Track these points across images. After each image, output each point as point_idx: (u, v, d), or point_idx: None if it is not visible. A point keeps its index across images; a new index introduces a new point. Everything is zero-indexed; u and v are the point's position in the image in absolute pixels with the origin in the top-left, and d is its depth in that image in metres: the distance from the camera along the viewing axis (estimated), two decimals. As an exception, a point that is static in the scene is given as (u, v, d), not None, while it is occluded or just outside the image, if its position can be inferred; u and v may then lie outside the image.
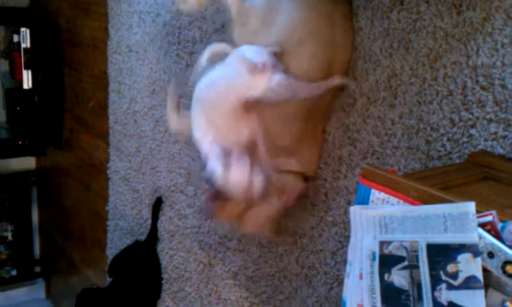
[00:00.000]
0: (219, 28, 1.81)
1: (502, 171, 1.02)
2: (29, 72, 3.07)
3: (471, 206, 0.76)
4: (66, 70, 3.09)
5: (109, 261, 2.53)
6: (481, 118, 1.13)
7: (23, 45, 3.03)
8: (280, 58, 1.35)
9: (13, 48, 3.15)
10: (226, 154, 1.37)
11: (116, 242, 2.68)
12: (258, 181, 1.35)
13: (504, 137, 1.09)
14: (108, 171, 2.69)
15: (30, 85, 3.09)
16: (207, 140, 1.42)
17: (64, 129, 3.19)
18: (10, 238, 3.62)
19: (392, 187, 0.88)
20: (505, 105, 1.09)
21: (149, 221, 2.34)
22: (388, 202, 0.90)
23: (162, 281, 2.31)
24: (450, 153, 1.19)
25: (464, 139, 1.16)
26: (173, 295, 2.26)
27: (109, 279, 2.47)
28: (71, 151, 3.17)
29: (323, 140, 1.50)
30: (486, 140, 1.12)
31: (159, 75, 2.19)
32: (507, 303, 0.75)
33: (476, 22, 1.11)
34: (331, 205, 1.51)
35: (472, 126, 1.15)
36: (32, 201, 3.72)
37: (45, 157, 3.55)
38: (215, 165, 1.37)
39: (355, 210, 0.95)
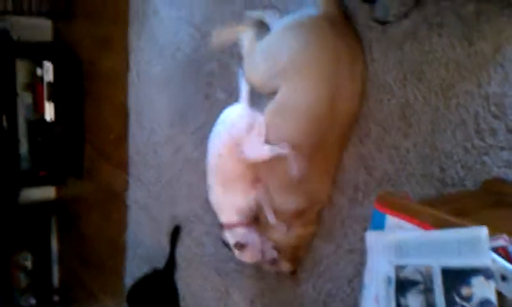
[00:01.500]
0: (236, 59, 1.87)
1: (514, 197, 1.05)
2: (52, 104, 3.16)
3: (484, 230, 0.78)
4: (87, 102, 3.18)
5: (127, 289, 2.55)
6: (494, 146, 1.16)
7: (46, 79, 3.13)
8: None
9: (36, 82, 3.25)
10: (240, 245, 1.64)
11: (134, 271, 2.71)
12: (268, 254, 1.62)
13: (517, 164, 1.12)
14: (127, 200, 2.74)
15: (52, 117, 3.17)
16: (223, 214, 1.67)
17: (85, 159, 3.26)
18: (30, 267, 3.67)
19: (407, 212, 0.91)
20: (517, 133, 1.11)
21: (167, 249, 2.37)
22: (403, 227, 0.92)
23: (181, 309, 2.33)
24: (464, 179, 1.21)
25: (478, 166, 1.19)
26: (190, 324, 2.28)
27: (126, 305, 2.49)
28: (91, 181, 3.23)
29: (337, 169, 1.53)
30: (498, 167, 1.15)
31: (178, 106, 2.24)
32: (522, 326, 0.77)
33: (487, 53, 1.15)
34: (347, 232, 1.53)
35: (485, 154, 1.17)
36: (52, 230, 3.78)
37: (65, 186, 3.62)
38: (232, 247, 1.67)
39: (371, 235, 0.97)
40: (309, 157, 1.46)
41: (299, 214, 1.56)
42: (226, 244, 1.68)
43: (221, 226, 1.69)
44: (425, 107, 1.28)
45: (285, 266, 1.64)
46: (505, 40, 1.11)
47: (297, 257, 1.64)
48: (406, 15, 1.29)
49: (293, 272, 1.66)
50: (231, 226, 1.66)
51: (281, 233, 1.59)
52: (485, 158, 1.17)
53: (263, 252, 1.62)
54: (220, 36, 1.82)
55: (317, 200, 1.55)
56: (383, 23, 1.35)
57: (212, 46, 1.84)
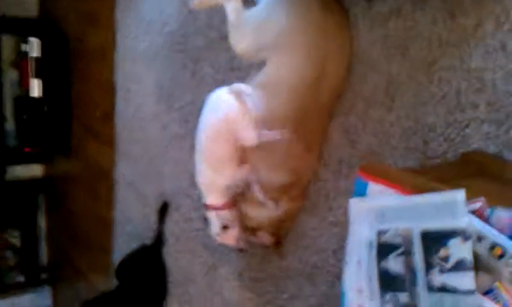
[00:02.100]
0: (224, 36, 1.87)
1: (493, 168, 1.08)
2: (38, 81, 3.15)
3: (461, 194, 0.81)
4: (73, 78, 3.17)
5: (115, 266, 2.58)
6: (475, 119, 1.19)
7: (32, 54, 3.11)
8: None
9: (21, 58, 3.23)
10: (224, 225, 1.68)
11: (122, 247, 2.73)
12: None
13: (497, 136, 1.15)
14: (115, 177, 2.75)
15: (38, 93, 3.16)
16: (208, 196, 1.70)
17: (72, 136, 3.26)
18: (18, 244, 3.68)
19: (388, 179, 0.94)
20: (497, 106, 1.15)
21: (155, 225, 2.40)
22: (384, 194, 0.95)
23: (168, 284, 2.36)
24: (446, 152, 1.25)
25: (459, 139, 1.22)
26: (178, 298, 2.31)
27: (116, 283, 2.52)
28: (78, 158, 3.24)
29: (323, 144, 1.56)
30: (479, 139, 1.18)
31: (165, 82, 2.25)
32: (497, 284, 0.81)
33: (469, 27, 1.18)
34: (332, 205, 1.56)
35: (467, 127, 1.21)
36: (40, 208, 3.78)
37: (52, 164, 3.62)
38: (214, 227, 1.71)
39: (353, 202, 1.01)
40: (294, 131, 1.48)
41: (285, 189, 1.59)
42: (207, 222, 1.72)
43: (206, 207, 1.72)
44: (409, 81, 1.31)
45: (269, 239, 1.67)
46: (486, 15, 1.14)
47: (281, 230, 1.67)
48: (391, -10, 1.31)
49: (277, 244, 1.70)
50: (217, 208, 1.69)
51: (269, 209, 1.63)
52: (466, 131, 1.21)
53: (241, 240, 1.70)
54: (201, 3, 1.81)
55: (303, 174, 1.58)
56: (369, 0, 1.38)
57: (194, 6, 1.83)
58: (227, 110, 1.60)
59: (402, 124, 1.34)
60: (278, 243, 1.71)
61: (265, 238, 1.67)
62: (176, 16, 2.14)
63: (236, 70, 1.84)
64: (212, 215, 1.69)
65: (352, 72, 1.45)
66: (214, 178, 1.65)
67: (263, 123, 1.51)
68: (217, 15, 1.91)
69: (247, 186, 1.64)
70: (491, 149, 1.16)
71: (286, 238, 1.71)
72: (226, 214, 1.66)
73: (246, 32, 1.56)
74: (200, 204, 2.10)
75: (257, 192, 1.61)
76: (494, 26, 1.13)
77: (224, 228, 1.67)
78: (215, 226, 1.70)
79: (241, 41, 1.58)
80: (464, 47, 1.19)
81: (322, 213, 1.59)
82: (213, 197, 1.68)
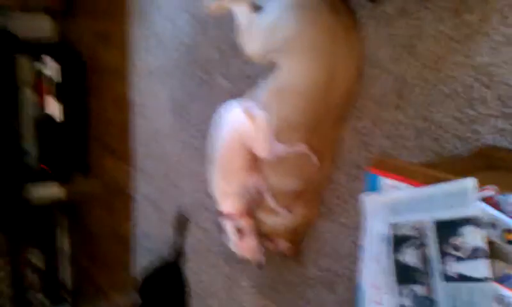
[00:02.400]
0: (236, 46, 1.91)
1: (506, 161, 1.09)
2: (57, 102, 3.22)
3: (472, 181, 0.82)
4: (91, 97, 3.23)
5: (136, 283, 2.60)
6: (485, 114, 1.20)
7: (50, 76, 3.19)
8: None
9: (41, 79, 3.31)
10: (240, 231, 1.71)
11: (142, 264, 2.76)
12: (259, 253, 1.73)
13: (508, 131, 1.16)
14: (133, 193, 2.79)
15: (58, 114, 3.23)
16: (223, 204, 1.74)
17: (90, 155, 3.31)
18: (40, 265, 3.73)
19: (400, 173, 0.95)
20: (507, 101, 1.15)
21: (175, 240, 2.42)
22: (397, 187, 0.97)
23: (189, 299, 2.38)
24: (457, 149, 1.26)
25: (470, 135, 1.23)
26: (199, 311, 2.33)
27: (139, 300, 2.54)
28: (97, 176, 3.29)
29: (335, 149, 1.58)
30: (491, 134, 1.19)
31: (180, 96, 2.29)
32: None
33: (474, 23, 1.19)
34: (348, 209, 1.57)
35: (477, 123, 1.21)
36: (61, 228, 3.84)
37: (72, 183, 3.67)
38: (229, 235, 1.74)
39: (366, 198, 1.02)
40: (306, 138, 1.50)
41: (297, 196, 1.61)
42: (222, 229, 1.74)
43: (221, 214, 1.75)
44: (418, 80, 1.32)
45: (286, 246, 1.68)
46: (491, 10, 1.15)
47: (298, 236, 1.68)
48: (396, -8, 1.33)
49: (295, 251, 1.71)
50: (231, 216, 1.71)
51: (284, 217, 1.64)
52: (477, 127, 1.22)
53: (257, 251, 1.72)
54: (215, 7, 1.86)
55: (315, 180, 1.59)
56: (374, 1, 1.40)
57: (207, 12, 1.87)
58: (240, 128, 1.63)
59: (414, 124, 1.35)
60: (296, 250, 1.72)
61: (282, 245, 1.69)
62: (188, 29, 2.18)
63: (249, 78, 1.87)
64: (226, 223, 1.72)
65: (362, 75, 1.46)
66: (226, 186, 1.69)
67: (276, 131, 1.54)
68: (228, 25, 1.95)
69: (260, 194, 1.66)
70: (503, 144, 1.17)
71: (304, 245, 1.72)
72: (241, 222, 1.68)
73: (256, 35, 1.59)
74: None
75: (269, 200, 1.63)
76: (498, 21, 1.14)
77: (240, 233, 1.68)
78: (230, 234, 1.72)
79: (252, 44, 1.61)
80: (471, 42, 1.20)
81: (338, 218, 1.60)
82: (227, 205, 1.71)
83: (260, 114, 1.58)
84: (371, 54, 1.43)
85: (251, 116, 1.60)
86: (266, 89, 1.57)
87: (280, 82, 1.52)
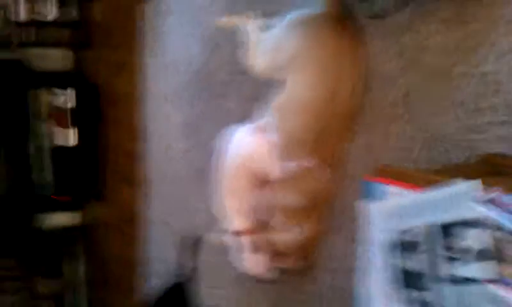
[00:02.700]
0: (245, 69, 1.93)
1: (508, 166, 1.07)
2: (73, 130, 3.27)
3: (476, 184, 0.81)
4: (105, 126, 3.28)
5: (150, 304, 2.59)
6: (494, 122, 1.19)
7: (66, 106, 3.25)
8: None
9: (57, 109, 3.37)
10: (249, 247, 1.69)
11: (155, 287, 2.75)
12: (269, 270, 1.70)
13: (514, 138, 1.15)
14: (147, 219, 2.79)
15: (73, 142, 3.28)
16: (230, 222, 1.75)
17: (104, 182, 3.34)
18: (52, 292, 3.72)
19: (403, 179, 0.94)
20: (513, 108, 1.15)
21: (188, 262, 2.41)
22: (400, 194, 0.96)
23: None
24: (468, 159, 1.24)
25: (480, 145, 1.22)
26: (212, 334, 2.30)
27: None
28: (112, 203, 3.30)
29: (340, 163, 1.58)
30: (500, 142, 1.18)
31: (192, 119, 2.31)
32: (519, 272, 0.79)
33: (481, 32, 1.19)
34: (355, 223, 1.55)
35: (486, 131, 1.20)
36: (75, 255, 3.84)
37: (87, 211, 3.69)
38: (241, 254, 1.74)
39: (370, 206, 1.01)
40: (312, 153, 1.51)
41: (306, 212, 1.60)
42: (221, 246, 1.74)
43: (232, 234, 1.74)
44: (426, 92, 1.32)
45: (299, 263, 1.67)
46: (497, 18, 1.15)
47: (310, 253, 1.67)
48: (403, 5, 1.34)
49: (308, 267, 1.69)
50: (242, 234, 1.71)
51: (295, 234, 1.64)
52: (486, 135, 1.20)
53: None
54: (224, 23, 1.90)
55: (322, 195, 1.59)
56: (382, 17, 1.41)
57: (217, 25, 1.91)
58: (248, 149, 1.65)
59: (423, 135, 1.34)
60: (309, 266, 1.70)
61: (294, 262, 1.67)
62: (201, 53, 2.21)
63: (260, 99, 1.88)
64: (237, 241, 1.71)
65: (371, 89, 1.47)
66: (235, 204, 1.69)
67: (283, 149, 1.54)
68: (239, 49, 1.98)
69: (269, 211, 1.66)
70: (509, 151, 1.15)
71: (315, 261, 1.70)
72: (252, 239, 1.68)
73: (263, 53, 1.61)
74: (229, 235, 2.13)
75: (280, 218, 1.63)
76: (505, 29, 1.14)
77: (251, 252, 1.67)
78: (240, 251, 1.71)
79: (259, 62, 1.64)
80: (478, 52, 1.20)
81: (349, 233, 1.58)
82: (236, 223, 1.70)
83: (267, 134, 1.59)
84: (380, 69, 1.44)
85: (259, 136, 1.62)
86: (273, 107, 1.58)
87: (285, 97, 1.54)
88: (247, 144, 1.67)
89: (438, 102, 1.30)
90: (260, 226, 1.69)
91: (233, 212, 1.73)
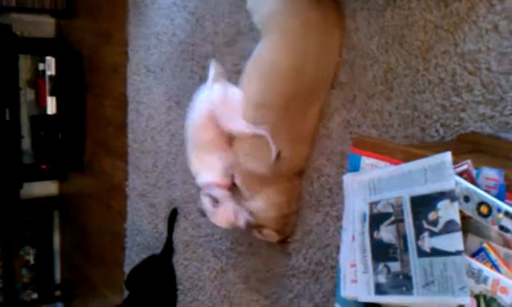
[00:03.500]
0: (229, 41, 1.92)
1: (488, 145, 1.09)
2: (53, 99, 3.23)
3: (447, 155, 0.82)
4: (88, 95, 3.24)
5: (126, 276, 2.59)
6: (470, 101, 1.20)
7: (48, 73, 3.20)
8: None
9: (38, 77, 3.32)
10: (214, 199, 1.69)
11: (133, 259, 2.75)
12: (241, 219, 1.66)
13: (492, 117, 1.16)
14: (126, 189, 2.78)
15: (54, 111, 3.24)
16: (199, 176, 1.77)
17: (86, 153, 3.32)
18: (32, 261, 3.72)
19: (379, 151, 0.95)
20: (491, 87, 1.16)
21: (165, 234, 2.42)
22: (376, 166, 0.96)
23: (177, 292, 2.36)
24: (443, 137, 1.25)
25: (456, 123, 1.23)
26: (187, 305, 2.31)
27: (126, 293, 2.53)
28: (92, 174, 3.29)
29: (309, 137, 1.59)
30: (475, 121, 1.19)
31: (174, 91, 2.30)
32: (485, 245, 0.81)
33: (462, 12, 1.20)
34: (335, 200, 1.57)
35: (462, 110, 1.21)
36: (54, 225, 3.83)
37: (67, 181, 3.68)
38: (206, 207, 1.73)
39: (347, 178, 1.02)
40: (274, 119, 1.52)
41: (267, 180, 1.62)
42: (202, 212, 1.74)
43: (200, 188, 1.76)
44: (406, 70, 1.33)
45: (272, 235, 1.67)
46: (478, -2, 1.16)
47: (286, 226, 1.68)
48: (386, -18, 1.34)
49: (283, 241, 1.70)
50: (207, 186, 1.72)
51: (258, 202, 1.65)
52: (462, 114, 1.22)
53: (236, 215, 1.66)
54: None
55: (285, 167, 1.60)
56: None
57: None
58: (213, 96, 1.70)
59: (401, 113, 1.35)
60: (285, 240, 1.71)
61: (270, 235, 1.68)
62: (184, 25, 2.19)
63: (242, 72, 1.87)
64: (203, 194, 1.72)
65: (351, 65, 1.47)
66: (199, 158, 1.73)
67: (245, 108, 1.58)
68: (223, 22, 1.96)
69: (234, 170, 1.69)
70: (487, 131, 1.17)
71: (291, 236, 1.71)
72: (217, 191, 1.69)
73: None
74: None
75: (237, 177, 1.65)
76: (486, 8, 1.15)
77: (215, 202, 1.68)
78: (206, 204, 1.71)
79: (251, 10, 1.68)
80: (458, 31, 1.21)
81: (326, 209, 1.59)
82: (202, 177, 1.73)
83: (232, 90, 1.64)
84: (362, 45, 1.44)
85: (223, 91, 1.67)
86: (248, 65, 1.61)
87: (256, 57, 1.57)
88: (210, 94, 1.72)
89: (417, 80, 1.30)
90: (227, 181, 1.72)
91: (199, 167, 1.75)
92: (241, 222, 1.66)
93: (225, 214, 1.68)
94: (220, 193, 1.68)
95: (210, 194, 1.67)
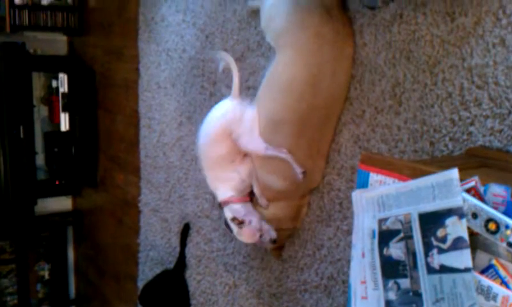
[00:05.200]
0: (238, 57, 1.94)
1: (497, 159, 1.09)
2: (66, 115, 3.27)
3: (455, 172, 0.83)
4: (100, 111, 3.28)
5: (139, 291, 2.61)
6: (479, 115, 1.20)
7: (61, 90, 3.25)
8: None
9: (51, 93, 3.37)
10: (239, 222, 1.68)
11: (147, 274, 2.77)
12: (267, 237, 1.68)
13: (500, 131, 1.16)
14: (139, 204, 2.81)
15: (67, 127, 3.28)
16: (218, 193, 1.76)
17: (99, 168, 3.35)
18: (47, 277, 3.75)
19: (387, 168, 0.96)
20: (499, 101, 1.16)
21: (178, 249, 2.43)
22: (385, 183, 0.97)
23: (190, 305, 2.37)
24: (452, 151, 1.26)
25: (465, 137, 1.23)
26: (200, 320, 2.32)
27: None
28: (105, 189, 3.32)
29: (323, 154, 1.60)
30: (484, 136, 1.19)
31: (185, 107, 2.32)
32: (494, 261, 0.81)
33: (468, 26, 1.20)
34: (346, 214, 1.57)
35: (471, 124, 1.22)
36: (68, 240, 3.86)
37: (80, 196, 3.71)
38: (232, 228, 1.71)
39: (356, 194, 1.02)
40: (292, 140, 1.53)
41: (282, 195, 1.64)
42: (227, 225, 1.74)
43: (220, 206, 1.76)
44: (414, 84, 1.33)
45: (270, 247, 1.74)
46: (484, 13, 1.16)
47: (281, 236, 1.71)
48: (393, -1, 1.35)
49: (277, 249, 1.76)
50: (227, 202, 1.72)
51: (264, 211, 1.70)
52: (471, 128, 1.22)
53: (261, 232, 1.67)
54: None
55: (306, 183, 1.61)
56: (373, 8, 1.42)
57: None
58: (227, 116, 1.67)
59: (409, 127, 1.35)
60: (279, 248, 1.74)
61: (267, 244, 1.71)
62: (194, 42, 2.22)
63: (252, 88, 1.89)
64: (226, 211, 1.71)
65: (360, 80, 1.48)
66: (216, 174, 1.72)
67: (262, 128, 1.59)
68: (232, 39, 1.98)
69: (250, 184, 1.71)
70: (496, 144, 1.17)
71: (301, 250, 1.72)
72: (238, 207, 1.69)
73: (262, 12, 1.65)
74: (219, 223, 2.14)
75: (254, 185, 1.68)
76: (492, 23, 1.15)
77: (239, 222, 1.67)
78: (232, 227, 1.70)
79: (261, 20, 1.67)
80: (465, 45, 1.21)
81: (337, 223, 1.59)
82: (220, 193, 1.73)
83: (249, 108, 1.63)
84: (370, 60, 1.44)
85: (241, 109, 1.65)
86: (262, 82, 1.62)
87: (270, 75, 1.57)
88: (227, 109, 1.70)
89: (425, 94, 1.31)
90: (248, 196, 1.73)
91: (216, 183, 1.75)
92: (266, 241, 1.69)
93: (250, 234, 1.69)
94: (242, 210, 1.68)
95: (235, 218, 1.67)
